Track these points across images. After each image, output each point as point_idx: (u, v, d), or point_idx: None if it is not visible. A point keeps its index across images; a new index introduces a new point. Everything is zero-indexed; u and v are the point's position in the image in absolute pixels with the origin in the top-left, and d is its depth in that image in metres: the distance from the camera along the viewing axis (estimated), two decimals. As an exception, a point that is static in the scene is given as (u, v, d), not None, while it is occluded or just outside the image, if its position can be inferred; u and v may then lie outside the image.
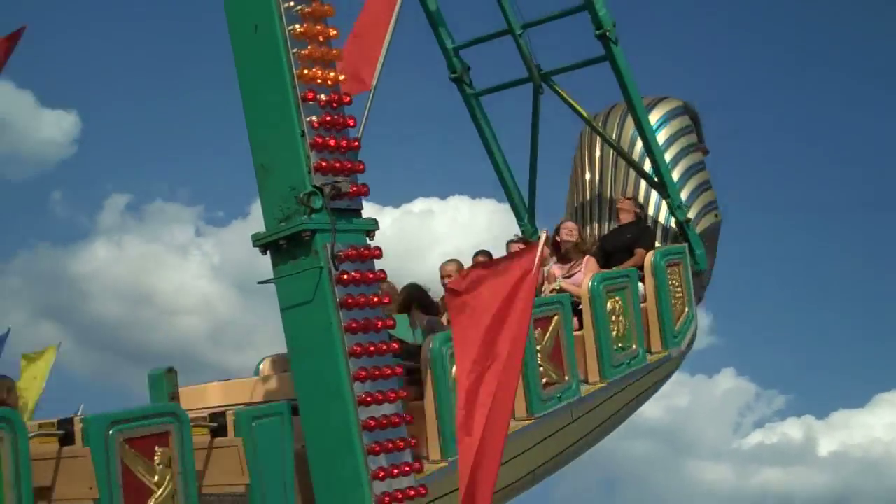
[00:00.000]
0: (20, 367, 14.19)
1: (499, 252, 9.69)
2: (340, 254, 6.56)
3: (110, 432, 5.70)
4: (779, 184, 30.06)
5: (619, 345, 9.30)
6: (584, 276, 9.50)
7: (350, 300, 6.57)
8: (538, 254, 7.00)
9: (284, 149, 6.64)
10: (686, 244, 10.60)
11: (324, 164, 6.60)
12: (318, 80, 6.70)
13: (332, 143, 6.67)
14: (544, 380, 8.36)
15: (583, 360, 9.07)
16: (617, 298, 9.38)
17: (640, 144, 10.92)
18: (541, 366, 8.33)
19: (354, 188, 6.71)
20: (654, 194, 11.06)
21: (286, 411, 6.59)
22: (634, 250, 10.32)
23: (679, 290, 10.15)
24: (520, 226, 11.65)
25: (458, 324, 6.28)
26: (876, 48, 29.85)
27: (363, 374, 6.55)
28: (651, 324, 9.87)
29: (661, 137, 10.98)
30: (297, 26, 6.66)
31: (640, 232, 10.66)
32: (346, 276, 6.57)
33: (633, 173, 11.30)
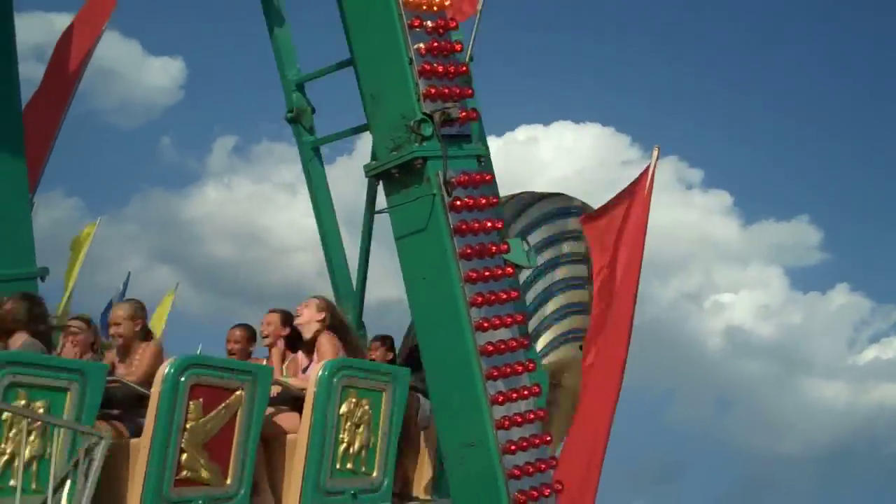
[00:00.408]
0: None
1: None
2: (452, 180, 6.54)
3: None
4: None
5: (349, 465, 6.60)
6: (317, 361, 6.93)
7: (464, 226, 6.56)
8: (651, 171, 6.92)
9: (393, 78, 6.62)
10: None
11: (433, 90, 6.57)
12: (424, 7, 6.67)
13: (440, 69, 6.63)
14: (185, 472, 5.82)
15: (282, 472, 6.55)
16: (364, 401, 6.75)
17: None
18: (183, 451, 5.81)
19: (464, 114, 6.67)
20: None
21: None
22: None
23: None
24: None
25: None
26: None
27: (479, 299, 6.55)
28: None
29: (536, 236, 8.59)
30: (401, -46, 6.60)
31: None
32: (458, 203, 6.56)
33: None
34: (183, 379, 5.79)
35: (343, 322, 7.26)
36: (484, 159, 6.85)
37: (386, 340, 8.27)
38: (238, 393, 6.04)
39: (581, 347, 7.56)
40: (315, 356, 7.01)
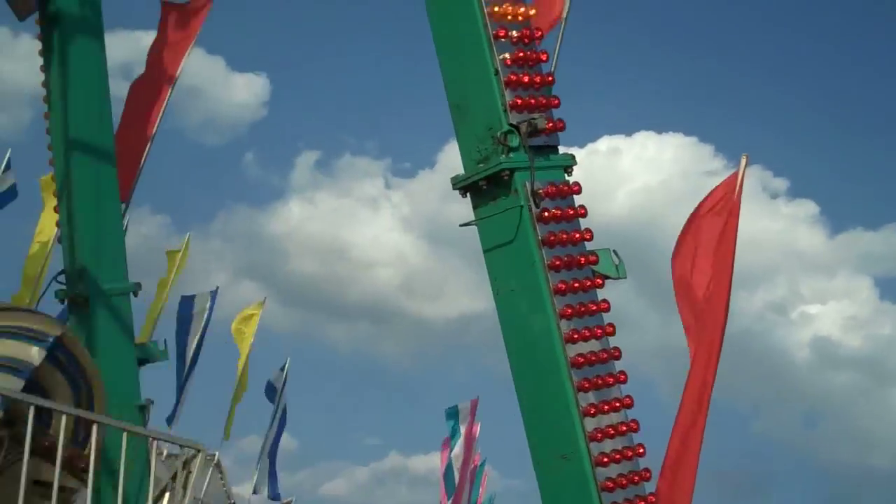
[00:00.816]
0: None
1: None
2: (540, 191, 6.52)
3: None
4: None
5: None
6: None
7: (552, 237, 6.52)
8: (739, 180, 6.84)
9: (479, 89, 6.64)
10: None
11: (519, 101, 6.56)
12: (509, 17, 6.67)
13: (525, 79, 6.62)
14: None
15: None
16: None
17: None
18: None
19: (550, 124, 6.64)
20: None
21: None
22: None
23: None
24: None
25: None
26: None
27: (569, 311, 6.49)
28: None
29: None
30: (486, -34, 6.62)
31: None
32: (546, 214, 6.53)
33: None
34: None
35: None
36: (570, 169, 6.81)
37: None
38: None
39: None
40: None
